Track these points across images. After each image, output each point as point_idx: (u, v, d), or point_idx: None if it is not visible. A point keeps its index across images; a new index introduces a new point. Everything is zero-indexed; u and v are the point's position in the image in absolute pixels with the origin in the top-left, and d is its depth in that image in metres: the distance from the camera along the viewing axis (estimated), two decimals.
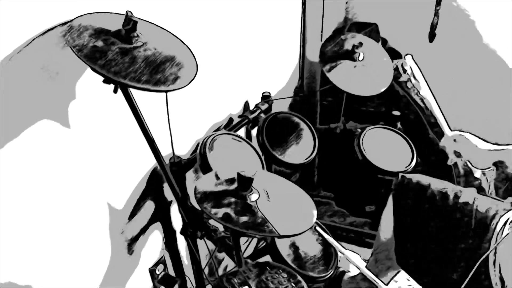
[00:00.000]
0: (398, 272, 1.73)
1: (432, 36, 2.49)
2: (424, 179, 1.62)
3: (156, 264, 1.59)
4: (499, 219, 1.43)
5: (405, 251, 1.64)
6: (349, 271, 1.75)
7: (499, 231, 1.42)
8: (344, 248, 1.70)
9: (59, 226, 1.17)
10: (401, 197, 1.63)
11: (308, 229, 1.17)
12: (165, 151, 1.28)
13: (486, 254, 1.34)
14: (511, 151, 1.49)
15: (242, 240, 1.52)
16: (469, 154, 1.58)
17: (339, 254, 1.72)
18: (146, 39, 1.05)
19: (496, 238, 1.40)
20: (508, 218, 1.44)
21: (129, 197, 1.42)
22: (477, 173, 2.27)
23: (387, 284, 1.69)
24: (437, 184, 1.58)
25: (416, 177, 1.64)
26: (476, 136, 1.60)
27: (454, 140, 1.61)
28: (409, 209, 1.62)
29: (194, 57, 1.12)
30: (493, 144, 1.57)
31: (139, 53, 1.02)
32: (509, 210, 1.44)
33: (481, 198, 1.51)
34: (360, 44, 1.80)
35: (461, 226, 1.51)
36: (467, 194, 1.53)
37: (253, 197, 1.14)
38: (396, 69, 2.35)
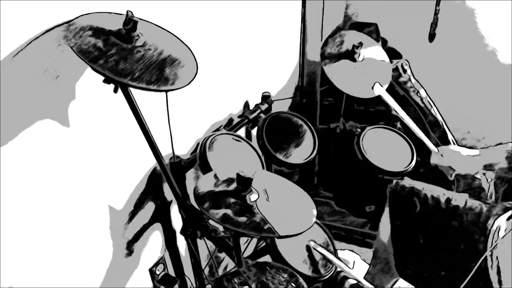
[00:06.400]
0: (397, 280, 1.73)
1: (432, 36, 2.49)
2: (417, 184, 1.64)
3: (156, 264, 1.59)
4: (493, 222, 1.44)
5: (403, 257, 1.65)
6: (350, 278, 1.74)
7: (494, 233, 1.43)
8: (341, 257, 1.70)
9: (59, 226, 1.17)
10: (396, 203, 1.65)
11: (308, 229, 1.17)
12: (165, 151, 1.28)
13: (483, 257, 1.35)
14: (496, 149, 1.52)
15: (242, 240, 1.52)
16: (456, 164, 1.62)
17: (338, 254, 1.72)
18: (146, 39, 1.05)
19: (492, 241, 1.41)
20: (503, 221, 1.44)
21: (129, 197, 1.42)
22: (477, 173, 2.27)
23: None
24: (429, 189, 1.61)
25: (409, 183, 1.66)
26: (462, 146, 1.65)
27: (441, 155, 1.65)
28: (404, 215, 1.64)
29: (194, 57, 1.12)
30: (479, 149, 1.62)
31: (139, 53, 1.02)
32: (503, 214, 1.45)
33: (472, 202, 1.54)
34: (360, 44, 1.80)
35: (453, 230, 1.53)
36: (458, 198, 1.56)
37: (253, 197, 1.14)
38: (396, 69, 2.36)
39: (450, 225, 1.53)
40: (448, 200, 1.56)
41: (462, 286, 1.34)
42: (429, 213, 1.58)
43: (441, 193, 1.59)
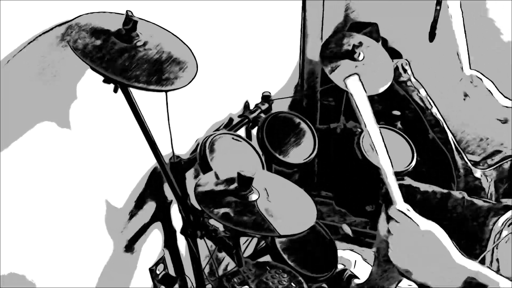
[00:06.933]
0: (400, 281, 1.72)
1: (432, 36, 2.49)
2: (413, 184, 1.63)
3: (156, 264, 1.59)
4: (496, 220, 1.44)
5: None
6: (358, 278, 1.73)
7: (497, 233, 1.42)
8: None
9: (59, 226, 1.17)
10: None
11: (308, 229, 1.17)
12: (165, 151, 1.28)
13: (482, 255, 1.35)
14: None
15: (242, 240, 1.52)
16: (481, 100, 1.56)
17: (339, 254, 1.72)
18: (146, 39, 1.05)
19: (494, 240, 1.41)
20: (507, 219, 1.44)
21: (129, 197, 1.42)
22: (477, 173, 2.27)
23: None
24: (426, 189, 1.60)
25: (405, 182, 1.65)
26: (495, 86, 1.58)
27: (471, 82, 1.60)
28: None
29: (194, 57, 1.12)
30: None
31: (139, 52, 1.02)
32: (504, 212, 1.45)
33: (471, 200, 1.53)
34: (360, 44, 1.80)
35: (452, 229, 1.52)
36: (456, 197, 1.55)
37: (253, 196, 1.14)
38: (396, 69, 2.36)
39: (448, 224, 1.53)
40: (446, 200, 1.55)
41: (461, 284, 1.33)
42: (427, 213, 1.58)
43: (438, 193, 1.59)
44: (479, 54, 2.58)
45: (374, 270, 1.77)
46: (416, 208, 1.60)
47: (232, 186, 1.16)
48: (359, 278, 1.69)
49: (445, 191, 1.60)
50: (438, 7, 2.43)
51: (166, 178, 1.35)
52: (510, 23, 2.42)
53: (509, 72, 2.54)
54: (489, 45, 2.55)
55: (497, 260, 1.38)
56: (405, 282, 1.73)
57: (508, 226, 1.41)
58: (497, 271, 1.35)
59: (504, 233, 1.41)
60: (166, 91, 1.06)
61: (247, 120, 1.76)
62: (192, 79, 1.06)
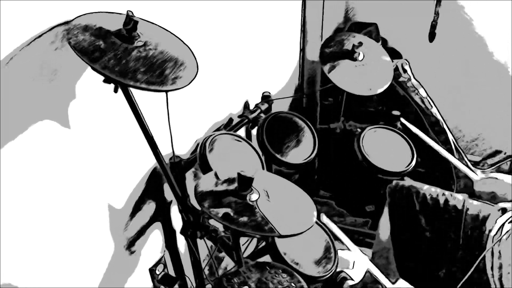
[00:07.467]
0: (397, 279, 1.73)
1: (432, 36, 2.49)
2: (416, 184, 1.64)
3: (156, 264, 1.59)
4: (495, 222, 1.45)
5: (402, 257, 1.65)
6: (351, 279, 1.74)
7: (495, 235, 1.43)
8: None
9: (59, 226, 1.17)
10: (395, 202, 1.65)
11: (308, 229, 1.17)
12: (165, 151, 1.28)
13: (481, 256, 1.35)
14: None
15: (242, 240, 1.52)
16: (502, 192, 1.61)
17: (338, 254, 1.72)
18: (146, 39, 1.05)
19: (493, 240, 1.42)
20: (507, 220, 1.45)
21: (129, 197, 1.42)
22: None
23: None
24: (428, 189, 1.61)
25: (408, 183, 1.66)
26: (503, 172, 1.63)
27: (484, 183, 1.64)
28: (403, 214, 1.64)
29: (194, 57, 1.12)
30: None
31: (140, 53, 1.02)
32: (502, 215, 1.46)
33: (471, 202, 1.54)
34: (360, 44, 1.80)
35: (452, 229, 1.53)
36: (457, 198, 1.56)
37: (253, 197, 1.14)
38: (396, 69, 2.36)
39: (449, 225, 1.54)
40: (447, 200, 1.57)
41: (459, 285, 1.34)
42: (428, 213, 1.59)
43: (440, 193, 1.60)
44: (478, 54, 2.58)
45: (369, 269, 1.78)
46: (416, 208, 1.61)
47: (232, 186, 1.16)
48: (353, 280, 1.70)
49: (448, 192, 1.61)
50: (438, 7, 2.43)
51: (166, 178, 1.35)
52: (510, 23, 2.42)
53: (509, 71, 2.54)
54: (489, 45, 2.56)
55: (499, 256, 1.38)
56: (401, 282, 1.73)
57: (509, 223, 1.42)
58: (499, 270, 1.36)
59: (505, 229, 1.42)
60: (166, 91, 1.06)
61: (247, 120, 1.76)
62: (193, 79, 1.06)
